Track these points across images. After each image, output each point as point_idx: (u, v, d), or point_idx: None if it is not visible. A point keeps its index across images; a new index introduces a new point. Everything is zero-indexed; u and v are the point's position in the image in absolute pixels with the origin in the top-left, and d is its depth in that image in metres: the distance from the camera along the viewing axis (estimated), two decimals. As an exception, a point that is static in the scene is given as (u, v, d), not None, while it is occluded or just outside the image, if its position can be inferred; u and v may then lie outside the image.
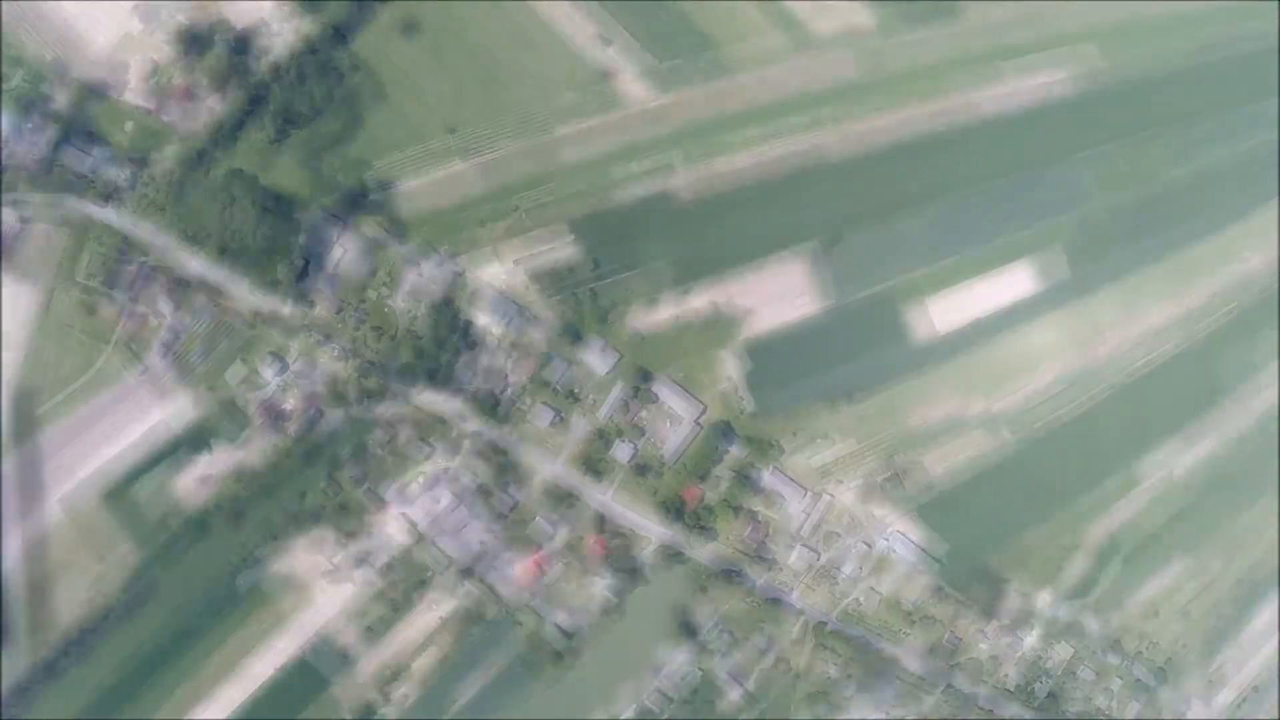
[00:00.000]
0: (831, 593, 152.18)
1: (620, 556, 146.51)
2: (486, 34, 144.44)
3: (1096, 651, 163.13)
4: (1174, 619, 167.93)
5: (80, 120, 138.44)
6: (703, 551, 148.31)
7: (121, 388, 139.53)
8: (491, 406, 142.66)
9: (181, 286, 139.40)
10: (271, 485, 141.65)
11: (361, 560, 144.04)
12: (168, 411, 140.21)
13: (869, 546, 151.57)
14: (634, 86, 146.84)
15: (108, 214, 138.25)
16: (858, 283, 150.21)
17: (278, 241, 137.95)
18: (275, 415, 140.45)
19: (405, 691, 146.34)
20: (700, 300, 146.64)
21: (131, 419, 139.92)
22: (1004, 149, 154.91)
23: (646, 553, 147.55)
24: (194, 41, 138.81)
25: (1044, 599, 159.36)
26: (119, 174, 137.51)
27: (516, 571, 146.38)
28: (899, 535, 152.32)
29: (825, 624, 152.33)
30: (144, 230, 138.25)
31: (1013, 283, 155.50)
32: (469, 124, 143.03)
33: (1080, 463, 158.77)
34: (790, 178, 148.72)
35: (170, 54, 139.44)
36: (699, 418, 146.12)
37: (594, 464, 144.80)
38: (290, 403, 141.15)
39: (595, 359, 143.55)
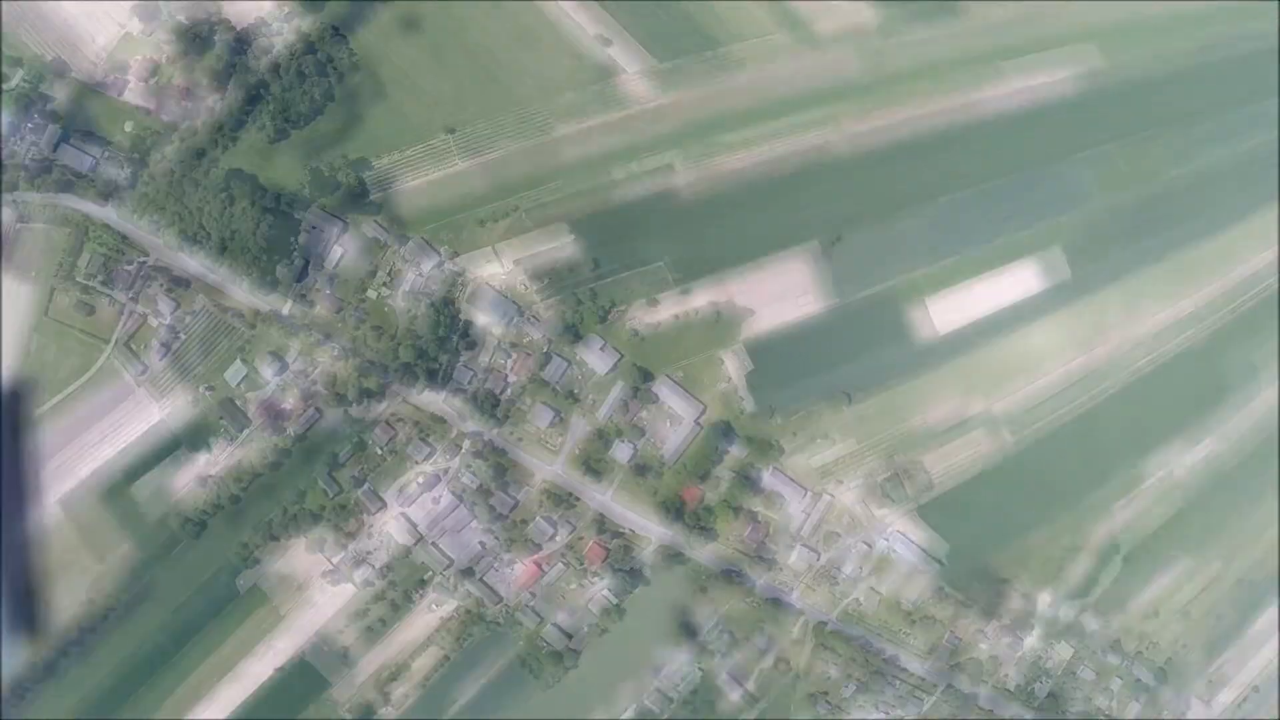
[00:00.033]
0: (831, 593, 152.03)
1: (620, 557, 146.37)
2: (487, 33, 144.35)
3: (1097, 652, 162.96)
4: (1174, 619, 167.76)
5: (80, 120, 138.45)
6: (703, 552, 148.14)
7: (121, 387, 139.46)
8: (491, 406, 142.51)
9: (181, 286, 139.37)
10: (271, 485, 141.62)
11: (361, 560, 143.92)
12: (167, 411, 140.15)
13: (869, 546, 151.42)
14: (634, 86, 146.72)
15: (107, 213, 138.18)
16: (858, 282, 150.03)
17: (278, 241, 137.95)
18: (275, 415, 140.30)
19: (405, 691, 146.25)
20: (700, 300, 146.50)
21: (131, 419, 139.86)
22: (1005, 149, 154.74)
23: (646, 553, 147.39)
24: (194, 41, 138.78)
25: (1044, 599, 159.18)
26: (119, 173, 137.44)
27: (516, 572, 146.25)
28: (899, 535, 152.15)
29: (825, 624, 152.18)
30: (144, 230, 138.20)
31: (1013, 283, 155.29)
32: (469, 124, 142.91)
33: (1081, 463, 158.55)
34: (790, 177, 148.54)
35: (170, 54, 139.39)
36: (699, 418, 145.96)
37: (594, 464, 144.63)
38: (290, 403, 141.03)
39: (595, 359, 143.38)
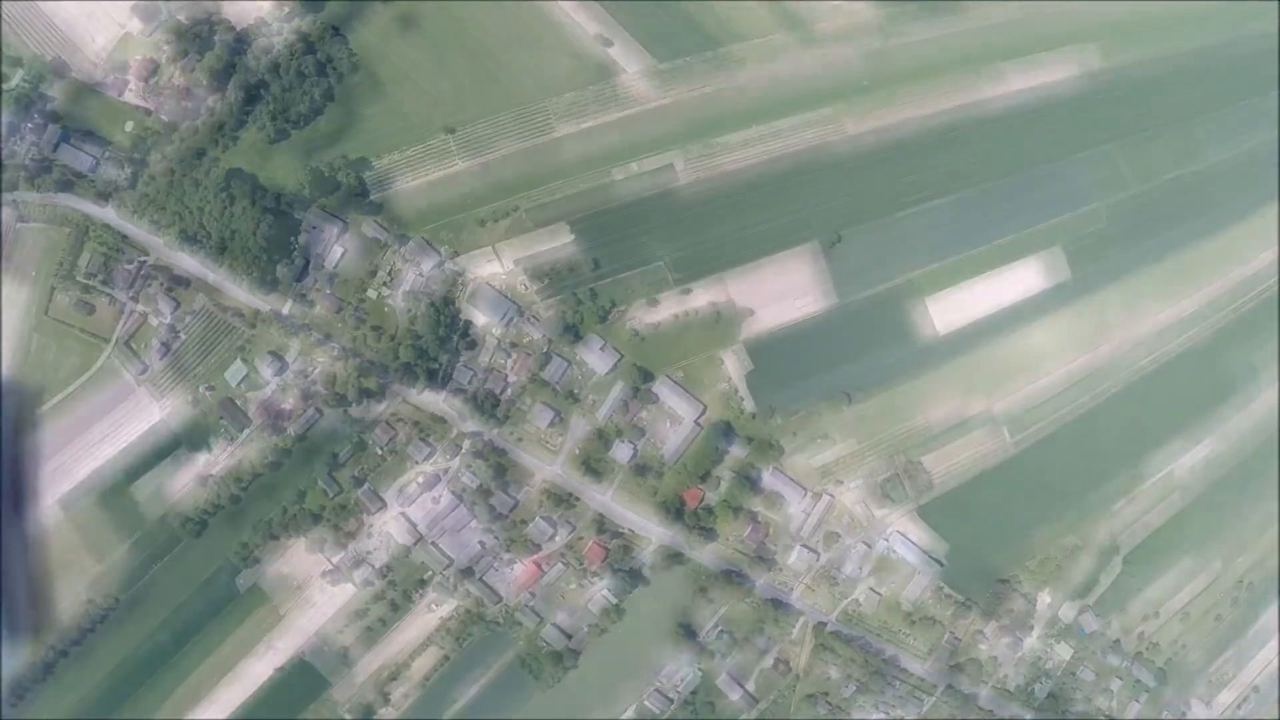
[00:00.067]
0: (831, 593, 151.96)
1: (620, 557, 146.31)
2: (487, 33, 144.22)
3: (1097, 652, 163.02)
4: (1174, 619, 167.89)
5: (80, 120, 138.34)
6: (702, 552, 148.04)
7: (121, 387, 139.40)
8: (491, 406, 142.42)
9: (181, 285, 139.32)
10: (271, 485, 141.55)
11: (361, 560, 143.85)
12: (167, 411, 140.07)
13: (869, 547, 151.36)
14: (634, 86, 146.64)
15: (107, 213, 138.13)
16: (858, 282, 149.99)
17: (278, 241, 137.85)
18: (275, 415, 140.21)
19: (405, 691, 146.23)
20: (700, 300, 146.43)
21: (131, 418, 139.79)
22: (1005, 149, 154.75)
23: (646, 553, 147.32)
24: (194, 41, 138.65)
25: (1044, 600, 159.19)
26: (118, 173, 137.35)
27: (516, 572, 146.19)
28: (899, 536, 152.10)
29: (825, 625, 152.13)
30: (144, 229, 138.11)
31: (1014, 283, 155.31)
32: (469, 124, 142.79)
33: (1081, 463, 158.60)
34: (791, 177, 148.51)
35: (170, 54, 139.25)
36: (699, 418, 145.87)
37: (594, 464, 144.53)
38: (290, 403, 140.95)
39: (595, 359, 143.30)
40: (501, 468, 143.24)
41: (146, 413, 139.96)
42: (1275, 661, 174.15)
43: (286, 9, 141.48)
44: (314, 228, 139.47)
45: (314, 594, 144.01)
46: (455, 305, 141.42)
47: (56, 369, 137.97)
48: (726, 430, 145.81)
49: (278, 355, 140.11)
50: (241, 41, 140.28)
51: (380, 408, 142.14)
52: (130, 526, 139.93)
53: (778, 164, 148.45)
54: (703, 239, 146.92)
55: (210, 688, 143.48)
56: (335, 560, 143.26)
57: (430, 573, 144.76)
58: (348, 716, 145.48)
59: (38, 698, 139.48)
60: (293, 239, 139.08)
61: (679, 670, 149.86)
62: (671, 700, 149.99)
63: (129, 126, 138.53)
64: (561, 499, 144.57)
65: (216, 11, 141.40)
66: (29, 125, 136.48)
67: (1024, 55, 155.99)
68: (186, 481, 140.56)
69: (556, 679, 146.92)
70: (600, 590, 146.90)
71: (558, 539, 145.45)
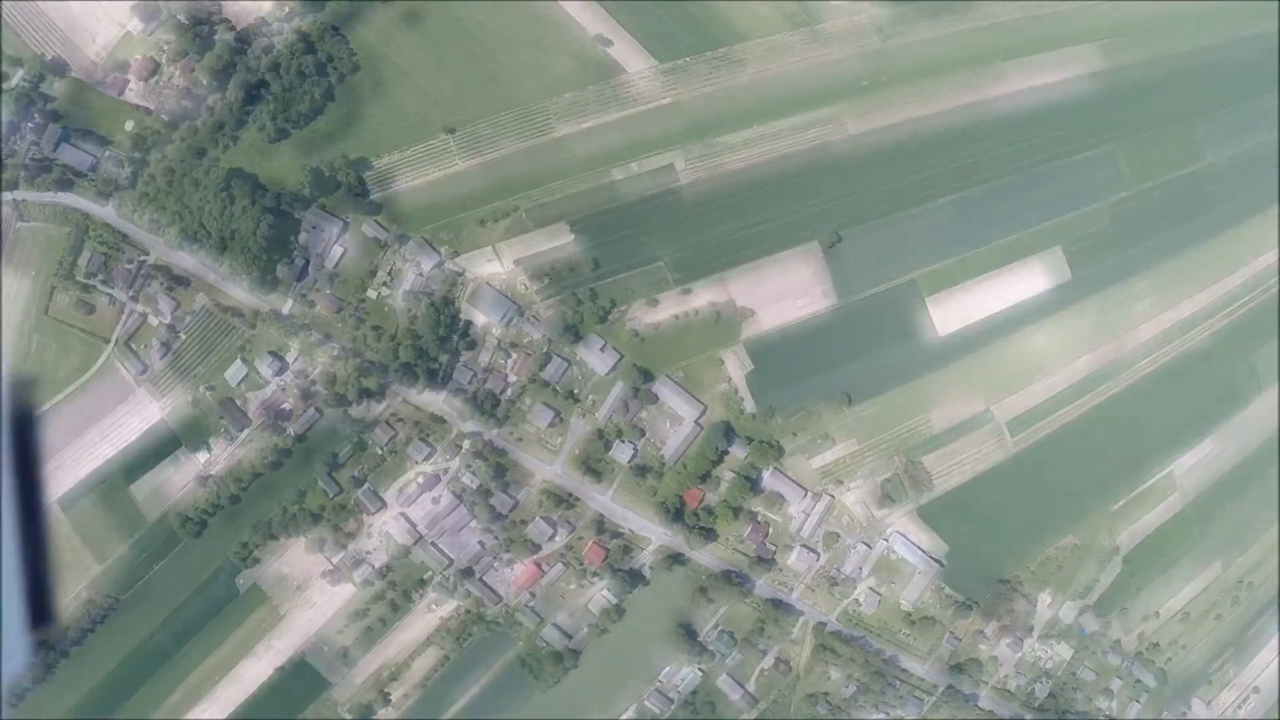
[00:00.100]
0: (831, 594, 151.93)
1: (620, 557, 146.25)
2: (487, 33, 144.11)
3: (1097, 652, 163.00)
4: (1174, 620, 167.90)
5: (80, 119, 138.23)
6: (703, 552, 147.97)
7: (121, 387, 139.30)
8: (491, 406, 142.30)
9: (181, 285, 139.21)
10: (271, 485, 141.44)
11: (361, 560, 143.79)
12: (167, 411, 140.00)
13: (869, 547, 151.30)
14: (635, 86, 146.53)
15: (107, 212, 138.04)
16: (859, 282, 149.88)
17: (278, 241, 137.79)
18: (275, 415, 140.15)
19: (405, 691, 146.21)
20: (700, 300, 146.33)
21: (131, 418, 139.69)
22: (1006, 149, 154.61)
23: (646, 554, 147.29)
24: (194, 40, 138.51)
25: (1045, 600, 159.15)
26: (119, 172, 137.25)
27: (516, 572, 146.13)
28: (899, 536, 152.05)
29: (825, 625, 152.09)
30: (144, 229, 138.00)
31: (1014, 283, 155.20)
32: (469, 124, 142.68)
33: (1081, 464, 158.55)
34: (791, 177, 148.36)
35: (170, 53, 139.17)
36: (699, 418, 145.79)
37: (594, 465, 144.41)
38: (290, 402, 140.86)
39: (595, 359, 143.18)
40: (501, 468, 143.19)
41: (146, 412, 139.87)
42: (1275, 662, 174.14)
43: (287, 8, 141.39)
44: (314, 227, 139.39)
45: (314, 594, 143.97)
46: (455, 305, 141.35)
47: (56, 368, 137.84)
48: (727, 430, 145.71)
49: (278, 355, 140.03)
50: (242, 41, 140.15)
51: (380, 408, 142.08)
52: (130, 526, 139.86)
53: (778, 164, 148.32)
54: (703, 239, 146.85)
55: (210, 687, 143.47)
56: (335, 560, 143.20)
57: (430, 573, 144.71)
58: (348, 716, 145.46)
59: (38, 697, 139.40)
60: (293, 239, 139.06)
61: (679, 670, 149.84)
62: (671, 700, 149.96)
63: (129, 126, 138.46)
64: (561, 499, 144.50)
65: (217, 11, 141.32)
66: (29, 124, 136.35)
67: (1024, 55, 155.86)
68: (186, 481, 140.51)
69: (556, 679, 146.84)
70: (600, 591, 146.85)
71: (558, 539, 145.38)
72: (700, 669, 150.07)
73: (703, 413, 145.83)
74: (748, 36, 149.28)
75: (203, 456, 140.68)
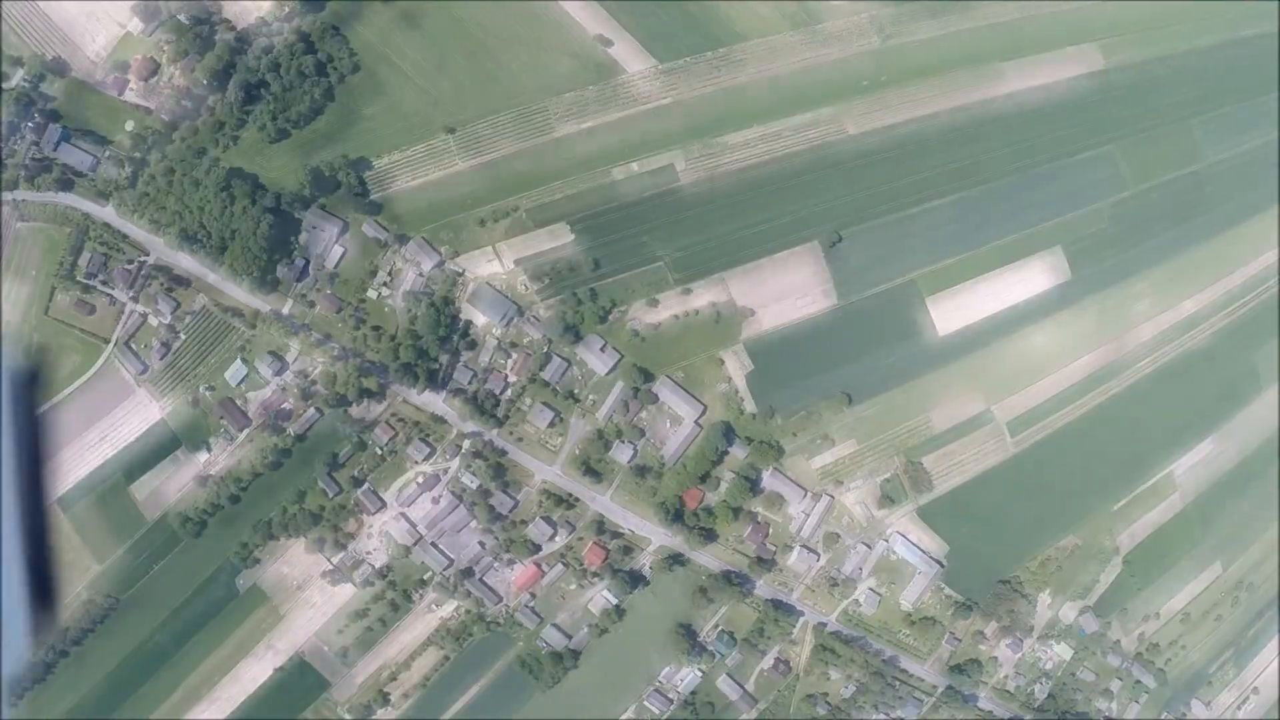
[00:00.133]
0: (831, 594, 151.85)
1: (620, 558, 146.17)
2: (487, 33, 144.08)
3: (1097, 653, 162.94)
4: (1174, 620, 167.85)
5: (80, 119, 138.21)
6: (703, 553, 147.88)
7: (121, 387, 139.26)
8: (491, 407, 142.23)
9: (181, 285, 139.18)
10: (271, 485, 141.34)
11: (360, 560, 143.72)
12: (167, 411, 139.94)
13: (869, 548, 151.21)
14: (635, 86, 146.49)
15: (107, 213, 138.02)
16: (859, 282, 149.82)
17: (278, 241, 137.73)
18: (275, 415, 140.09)
19: (405, 691, 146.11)
20: (700, 300, 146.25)
21: (131, 418, 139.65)
22: (1006, 149, 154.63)
23: (646, 554, 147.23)
24: (194, 40, 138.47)
25: (1044, 601, 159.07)
26: (119, 172, 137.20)
27: (516, 573, 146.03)
28: (899, 536, 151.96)
29: (825, 625, 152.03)
30: (144, 229, 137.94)
31: (1014, 283, 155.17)
32: (469, 124, 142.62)
33: (1081, 464, 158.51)
34: (791, 177, 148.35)
35: (170, 53, 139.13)
36: (699, 418, 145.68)
37: (593, 465, 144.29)
38: (290, 402, 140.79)
39: (595, 359, 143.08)
40: (501, 468, 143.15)
41: (146, 412, 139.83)
42: (1275, 662, 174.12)
43: (287, 8, 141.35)
44: (314, 227, 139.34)
45: (314, 594, 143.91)
46: (455, 305, 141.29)
47: (56, 369, 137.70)
48: (727, 431, 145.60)
49: (278, 355, 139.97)
50: (242, 41, 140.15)
51: (380, 408, 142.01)
52: (130, 526, 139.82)
53: (778, 164, 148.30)
54: (703, 239, 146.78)
55: (210, 688, 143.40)
56: (335, 560, 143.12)
57: (430, 573, 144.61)
58: (347, 716, 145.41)
59: (37, 697, 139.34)
60: (293, 239, 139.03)
61: (679, 671, 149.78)
62: (671, 701, 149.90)
63: (129, 126, 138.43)
64: (561, 500, 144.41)
65: (217, 11, 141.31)
66: (29, 124, 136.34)
67: (1024, 55, 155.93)
68: (186, 481, 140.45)
69: (556, 680, 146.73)
70: (600, 591, 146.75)
71: (557, 540, 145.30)
72: (700, 669, 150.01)
73: (703, 413, 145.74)
74: (748, 36, 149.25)
75: (202, 456, 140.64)
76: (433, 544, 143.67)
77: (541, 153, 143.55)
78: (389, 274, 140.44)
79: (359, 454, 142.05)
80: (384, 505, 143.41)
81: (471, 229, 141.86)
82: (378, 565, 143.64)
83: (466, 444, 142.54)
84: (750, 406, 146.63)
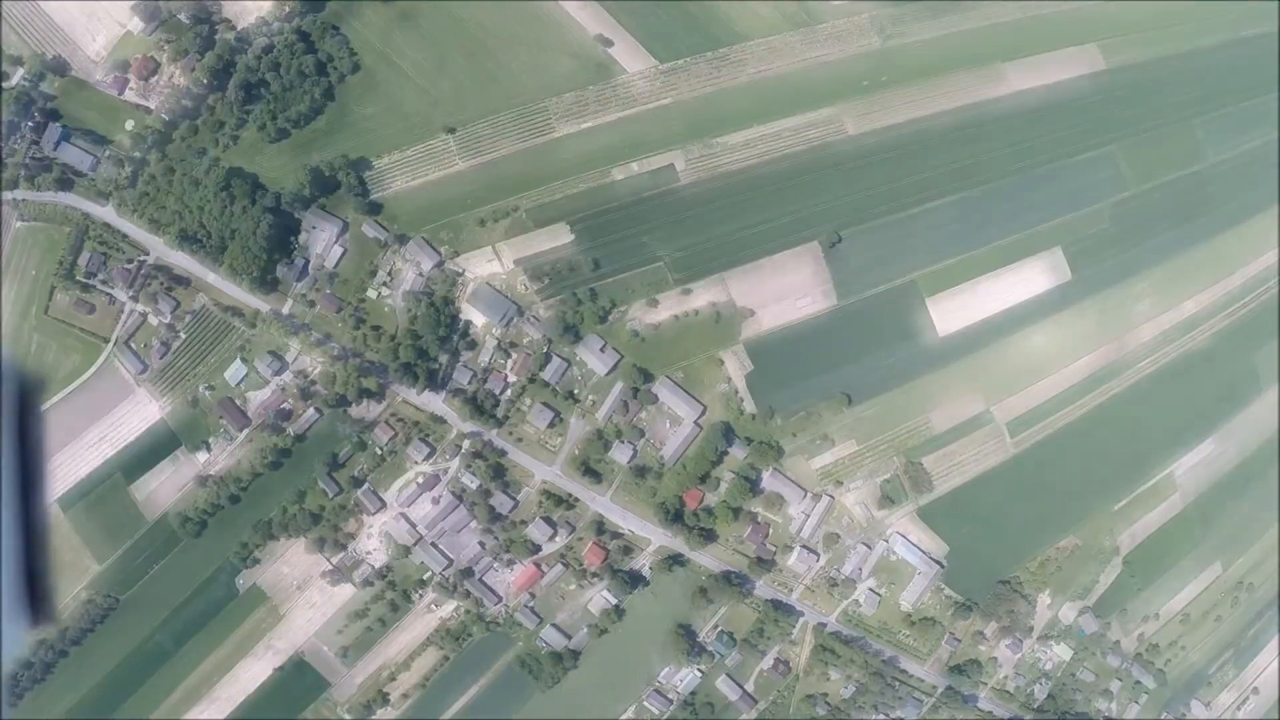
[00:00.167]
0: (831, 595, 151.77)
1: (619, 558, 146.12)
2: (487, 33, 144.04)
3: (1096, 653, 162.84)
4: (1174, 621, 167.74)
5: (80, 119, 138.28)
6: (702, 554, 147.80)
7: (121, 387, 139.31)
8: (491, 407, 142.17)
9: (181, 285, 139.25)
10: (271, 485, 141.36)
11: (360, 560, 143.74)
12: (167, 411, 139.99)
13: (869, 548, 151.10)
14: (635, 86, 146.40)
15: (107, 212, 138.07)
16: (859, 283, 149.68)
17: (278, 241, 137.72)
18: (275, 415, 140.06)
19: (405, 691, 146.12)
20: (700, 300, 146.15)
21: (130, 418, 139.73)
22: (1006, 150, 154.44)
23: (646, 555, 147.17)
24: (194, 40, 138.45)
25: (1044, 601, 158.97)
26: (118, 172, 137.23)
27: (515, 573, 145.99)
28: (899, 537, 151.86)
29: (825, 626, 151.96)
30: (143, 229, 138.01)
31: (1014, 284, 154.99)
32: (469, 124, 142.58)
33: (1081, 465, 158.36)
34: (791, 177, 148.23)
35: (170, 53, 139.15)
36: (699, 419, 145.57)
37: (593, 465, 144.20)
38: (290, 403, 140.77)
39: (595, 359, 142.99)
40: (501, 468, 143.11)
41: (146, 412, 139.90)
42: (1275, 663, 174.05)
43: (287, 8, 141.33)
44: (314, 227, 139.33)
45: (313, 594, 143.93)
46: (455, 305, 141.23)
47: (56, 368, 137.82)
48: (726, 431, 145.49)
49: (278, 355, 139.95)
50: (241, 41, 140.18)
51: (380, 408, 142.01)
52: (130, 526, 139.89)
53: (778, 164, 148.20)
54: (703, 239, 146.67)
55: (210, 687, 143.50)
56: (335, 560, 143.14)
57: (430, 573, 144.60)
58: (347, 716, 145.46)
59: (37, 697, 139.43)
60: (293, 239, 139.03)
61: (678, 671, 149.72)
62: (671, 701, 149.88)
63: (129, 125, 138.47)
64: (561, 500, 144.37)
65: (217, 10, 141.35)
66: (29, 124, 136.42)
67: (1025, 56, 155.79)
68: (186, 481, 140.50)
69: (556, 680, 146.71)
70: (600, 591, 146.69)
71: (557, 540, 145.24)
72: (700, 670, 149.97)
73: (702, 413, 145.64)
74: (748, 36, 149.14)
75: (202, 456, 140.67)
76: (432, 544, 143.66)
77: (541, 153, 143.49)
78: (389, 274, 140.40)
79: (359, 454, 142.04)
80: (384, 505, 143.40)
81: (471, 229, 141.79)
82: (377, 565, 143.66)
83: (466, 444, 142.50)
84: (750, 407, 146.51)
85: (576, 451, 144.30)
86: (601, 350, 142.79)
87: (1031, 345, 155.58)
